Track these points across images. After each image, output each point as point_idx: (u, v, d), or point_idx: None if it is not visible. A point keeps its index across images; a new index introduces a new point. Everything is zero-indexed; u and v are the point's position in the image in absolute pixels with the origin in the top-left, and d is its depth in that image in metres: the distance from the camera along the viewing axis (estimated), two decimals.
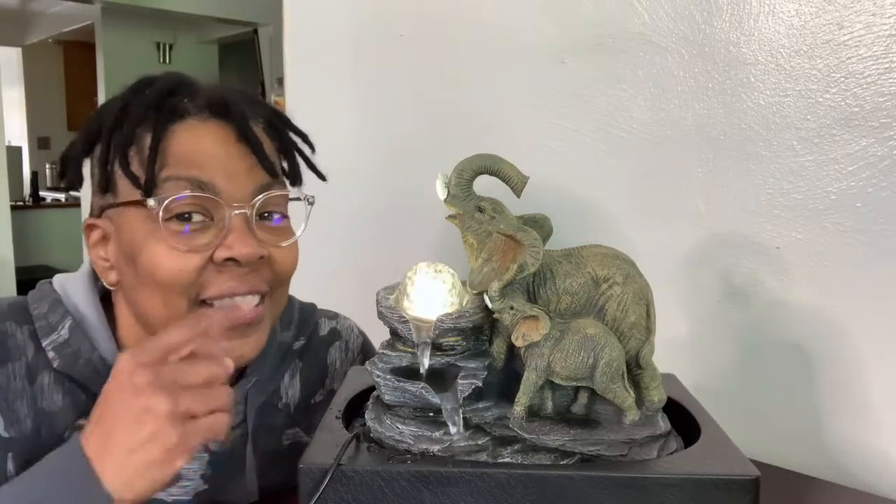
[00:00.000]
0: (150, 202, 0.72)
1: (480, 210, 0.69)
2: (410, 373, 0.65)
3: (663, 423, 0.68)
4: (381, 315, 0.67)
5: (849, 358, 0.92)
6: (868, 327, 0.91)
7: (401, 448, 0.63)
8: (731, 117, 0.98)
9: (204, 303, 0.74)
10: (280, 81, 2.54)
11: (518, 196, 0.69)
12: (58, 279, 0.83)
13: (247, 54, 5.99)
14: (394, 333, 0.68)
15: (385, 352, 0.67)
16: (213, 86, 0.79)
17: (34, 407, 0.76)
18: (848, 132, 0.90)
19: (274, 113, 0.82)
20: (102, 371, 0.77)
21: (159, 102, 0.75)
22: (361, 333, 1.03)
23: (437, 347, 0.65)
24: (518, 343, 0.63)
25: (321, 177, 0.85)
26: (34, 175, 6.62)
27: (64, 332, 0.78)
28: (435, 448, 0.62)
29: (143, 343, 0.62)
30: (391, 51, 1.36)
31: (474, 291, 0.67)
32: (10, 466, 0.74)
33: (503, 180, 0.69)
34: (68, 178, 0.80)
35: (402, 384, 0.64)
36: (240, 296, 0.75)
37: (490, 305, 0.64)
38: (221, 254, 0.73)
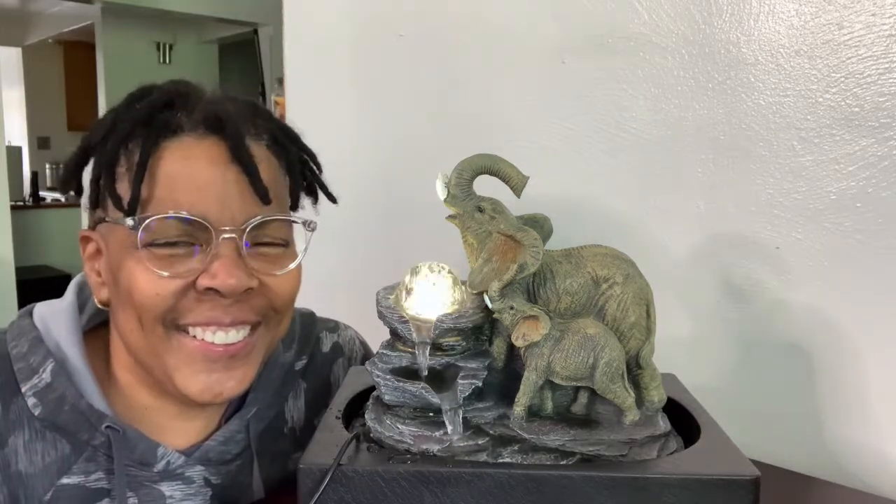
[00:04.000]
0: (129, 222, 0.67)
1: (480, 210, 0.69)
2: (410, 373, 0.65)
3: (663, 423, 0.68)
4: (381, 315, 0.67)
5: (849, 358, 0.92)
6: (868, 327, 0.91)
7: (401, 448, 0.63)
8: (731, 117, 0.98)
9: (181, 328, 0.69)
10: (280, 81, 2.53)
11: (518, 196, 0.69)
12: (38, 313, 0.76)
13: (247, 54, 5.99)
14: (394, 333, 0.68)
15: (385, 352, 0.67)
16: (214, 98, 0.74)
17: (6, 472, 0.69)
18: (848, 132, 0.90)
19: (280, 128, 0.77)
20: (92, 418, 0.71)
21: (150, 117, 0.70)
22: (363, 345, 0.99)
23: (437, 347, 0.65)
24: (518, 343, 0.63)
25: (331, 198, 0.80)
26: (34, 175, 6.62)
27: (46, 376, 0.71)
28: (435, 448, 0.62)
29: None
30: (391, 51, 1.36)
31: (474, 291, 0.67)
32: None
33: (503, 180, 0.69)
34: (68, 188, 0.76)
35: (402, 384, 0.64)
36: (222, 328, 0.69)
37: (490, 305, 0.64)
38: (203, 282, 0.67)
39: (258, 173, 0.69)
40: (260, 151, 0.72)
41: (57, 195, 6.70)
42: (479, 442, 0.63)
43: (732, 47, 0.97)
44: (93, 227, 0.74)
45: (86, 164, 0.73)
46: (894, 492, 0.90)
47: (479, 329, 0.68)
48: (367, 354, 0.99)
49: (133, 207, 0.67)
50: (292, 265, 0.73)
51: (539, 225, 0.72)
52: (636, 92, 1.06)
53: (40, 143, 7.26)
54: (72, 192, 0.76)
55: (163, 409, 0.76)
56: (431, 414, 0.64)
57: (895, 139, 0.87)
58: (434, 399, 0.62)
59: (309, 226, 0.75)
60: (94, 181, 0.71)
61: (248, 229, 0.69)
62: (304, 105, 1.51)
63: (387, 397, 0.65)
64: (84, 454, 0.72)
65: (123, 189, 0.68)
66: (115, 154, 0.69)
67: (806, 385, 0.96)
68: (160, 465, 0.74)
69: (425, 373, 0.64)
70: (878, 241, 0.89)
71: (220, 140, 0.69)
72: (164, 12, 5.56)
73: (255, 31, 5.74)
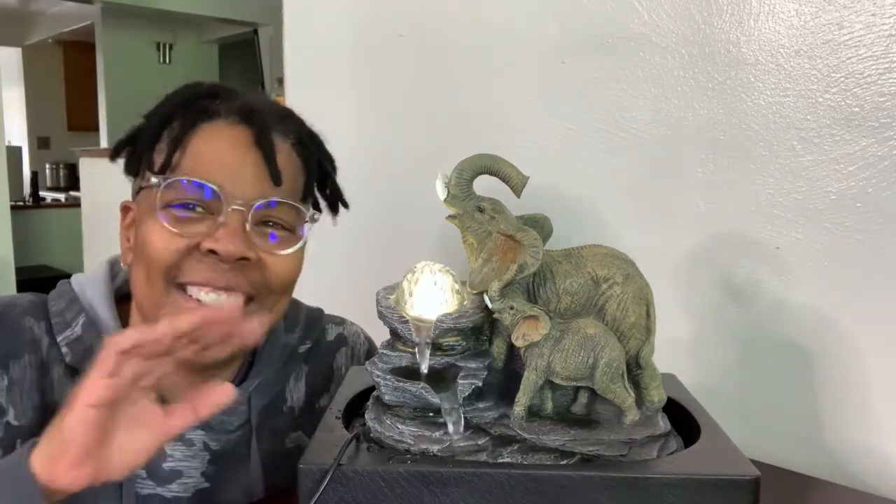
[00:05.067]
0: (154, 180, 0.75)
1: (480, 210, 0.69)
2: (410, 373, 0.65)
3: (663, 423, 0.68)
4: (381, 315, 0.67)
5: (849, 358, 0.92)
6: (868, 327, 0.91)
7: (401, 448, 0.63)
8: (731, 117, 0.98)
9: (181, 287, 0.76)
10: (280, 81, 2.53)
11: (518, 196, 0.69)
12: (76, 279, 0.86)
13: (247, 54, 5.99)
14: (394, 333, 0.68)
15: (385, 352, 0.67)
16: (254, 96, 0.83)
17: (43, 399, 0.79)
18: (848, 132, 0.90)
19: (308, 134, 0.85)
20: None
21: (193, 102, 0.79)
22: (368, 339, 1.03)
23: (437, 347, 0.65)
24: (518, 343, 0.63)
25: (345, 204, 0.87)
26: (34, 175, 6.62)
27: (77, 329, 0.81)
28: (435, 448, 0.62)
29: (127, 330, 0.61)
30: (391, 51, 1.36)
31: (474, 291, 0.67)
32: None
33: (503, 180, 0.69)
34: (116, 156, 0.84)
35: (402, 384, 0.64)
36: (215, 290, 0.75)
37: (490, 305, 0.64)
38: (206, 244, 0.74)
39: (275, 158, 0.77)
40: (283, 146, 0.80)
41: (57, 195, 6.71)
42: (479, 442, 0.63)
43: (732, 47, 0.98)
44: (133, 196, 0.83)
45: (134, 141, 0.82)
46: (894, 492, 0.90)
47: (479, 329, 0.68)
48: (371, 349, 1.02)
49: (163, 169, 0.76)
50: (291, 249, 0.79)
51: (539, 225, 0.72)
52: (636, 92, 1.06)
53: (40, 143, 7.26)
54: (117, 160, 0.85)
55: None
56: (431, 414, 0.64)
57: (895, 139, 0.87)
58: (434, 399, 0.62)
59: (312, 217, 0.82)
60: (140, 151, 0.80)
61: (255, 206, 0.76)
62: (304, 105, 1.50)
63: (387, 397, 0.65)
64: None
65: (159, 157, 0.77)
66: (159, 129, 0.79)
67: (806, 385, 0.96)
68: None
69: (425, 373, 0.64)
70: (878, 241, 0.89)
71: (247, 127, 0.78)
72: (164, 12, 5.56)
73: (255, 31, 5.75)
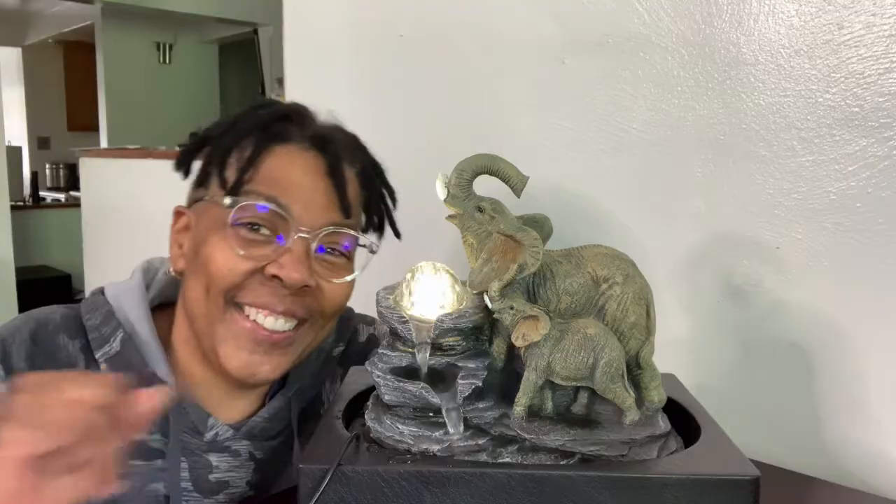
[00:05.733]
0: (227, 201, 0.76)
1: (480, 210, 0.69)
2: (410, 373, 0.65)
3: (663, 423, 0.68)
4: (380, 315, 0.67)
5: (848, 358, 0.92)
6: (868, 327, 0.91)
7: (401, 448, 0.63)
8: (731, 117, 0.98)
9: (238, 306, 0.76)
10: (280, 81, 2.54)
11: (518, 196, 0.69)
12: (110, 290, 0.85)
13: (247, 54, 5.99)
14: (394, 333, 0.68)
15: (385, 352, 0.67)
16: (325, 122, 0.85)
17: None
18: (848, 132, 0.90)
19: (372, 163, 0.86)
20: (154, 384, 0.74)
21: (267, 124, 0.80)
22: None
23: (437, 347, 0.65)
24: (518, 343, 0.63)
25: (397, 234, 0.88)
26: (34, 175, 6.62)
27: (116, 345, 0.80)
28: (435, 448, 0.62)
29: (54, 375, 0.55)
30: (391, 51, 1.36)
31: (474, 291, 0.67)
32: None
33: (503, 180, 0.69)
34: (180, 168, 0.84)
35: (402, 384, 0.64)
36: (273, 314, 0.76)
37: (490, 305, 0.64)
38: (271, 270, 0.75)
39: (346, 190, 0.79)
40: (350, 174, 0.82)
41: (57, 195, 6.71)
42: (480, 442, 0.63)
43: (732, 47, 0.98)
44: (189, 205, 0.84)
45: (199, 151, 0.83)
46: (894, 492, 0.90)
47: (479, 329, 0.68)
48: None
49: (235, 190, 0.76)
50: (348, 277, 0.81)
51: (539, 225, 0.71)
52: (636, 92, 1.06)
53: (40, 143, 7.26)
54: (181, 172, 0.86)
55: (213, 386, 0.82)
56: (431, 414, 0.64)
57: (895, 139, 0.87)
58: (434, 399, 0.62)
59: (372, 248, 0.83)
60: (206, 164, 0.81)
61: (321, 234, 0.77)
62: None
63: (387, 397, 0.65)
64: None
65: (231, 175, 0.77)
66: (230, 146, 0.79)
67: (806, 385, 0.96)
68: (209, 435, 0.81)
69: (426, 372, 0.64)
70: (878, 241, 0.89)
71: (320, 155, 0.79)
72: (164, 12, 5.56)
73: (255, 31, 5.75)
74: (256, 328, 0.76)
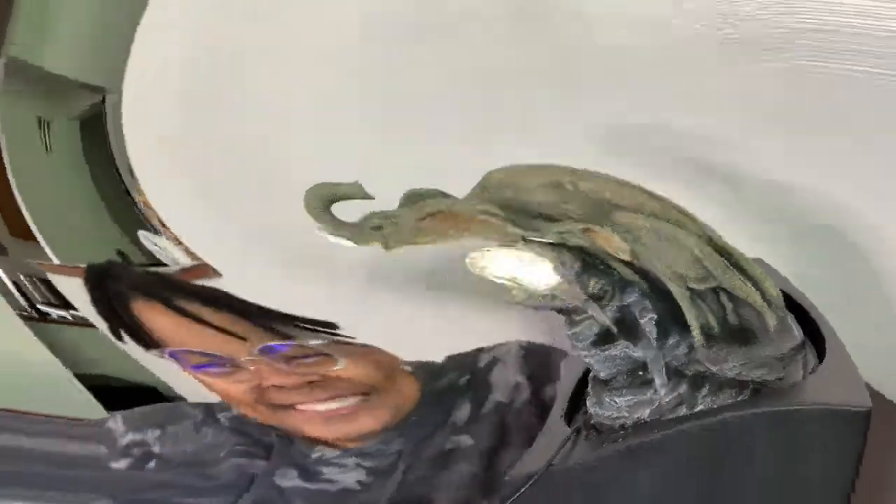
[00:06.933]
0: None
1: (378, 227, 0.54)
2: (607, 337, 0.59)
3: (797, 330, 0.59)
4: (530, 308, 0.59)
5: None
6: None
7: (616, 426, 0.58)
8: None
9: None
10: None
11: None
12: None
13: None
14: (559, 311, 0.60)
15: (572, 331, 0.60)
16: None
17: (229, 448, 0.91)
18: None
19: None
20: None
21: None
22: (516, 342, 1.02)
23: (595, 299, 0.56)
24: (623, 257, 0.53)
25: None
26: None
27: None
28: (646, 412, 0.57)
29: None
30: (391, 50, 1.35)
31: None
32: None
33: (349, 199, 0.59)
34: None
35: (607, 351, 0.58)
36: (321, 402, 0.86)
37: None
38: None
39: None
40: None
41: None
42: (680, 391, 0.57)
43: None
44: None
45: None
46: None
47: (600, 261, 0.57)
48: (523, 345, 1.00)
49: None
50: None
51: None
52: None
53: None
54: None
55: None
56: (641, 373, 0.58)
57: None
58: (636, 353, 0.57)
59: None
60: None
61: None
62: None
63: (602, 374, 0.59)
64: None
65: None
66: None
67: None
68: (315, 455, 0.90)
69: (612, 326, 0.58)
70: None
71: None
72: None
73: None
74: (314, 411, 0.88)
